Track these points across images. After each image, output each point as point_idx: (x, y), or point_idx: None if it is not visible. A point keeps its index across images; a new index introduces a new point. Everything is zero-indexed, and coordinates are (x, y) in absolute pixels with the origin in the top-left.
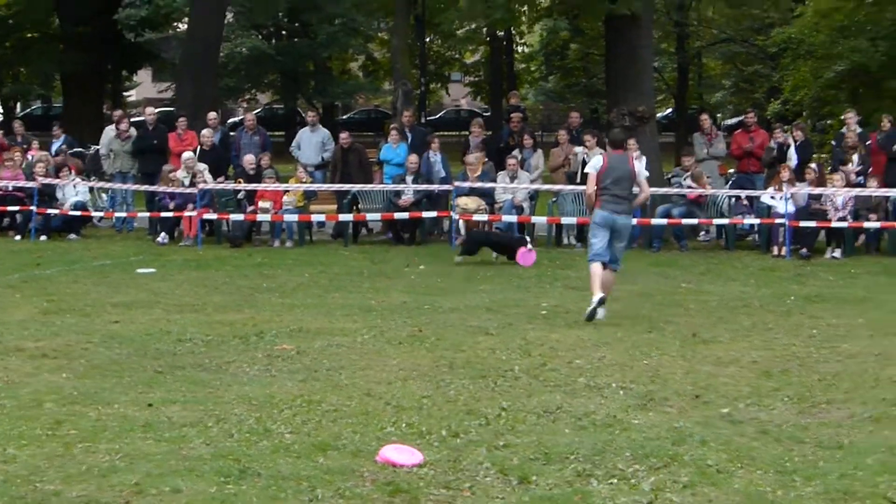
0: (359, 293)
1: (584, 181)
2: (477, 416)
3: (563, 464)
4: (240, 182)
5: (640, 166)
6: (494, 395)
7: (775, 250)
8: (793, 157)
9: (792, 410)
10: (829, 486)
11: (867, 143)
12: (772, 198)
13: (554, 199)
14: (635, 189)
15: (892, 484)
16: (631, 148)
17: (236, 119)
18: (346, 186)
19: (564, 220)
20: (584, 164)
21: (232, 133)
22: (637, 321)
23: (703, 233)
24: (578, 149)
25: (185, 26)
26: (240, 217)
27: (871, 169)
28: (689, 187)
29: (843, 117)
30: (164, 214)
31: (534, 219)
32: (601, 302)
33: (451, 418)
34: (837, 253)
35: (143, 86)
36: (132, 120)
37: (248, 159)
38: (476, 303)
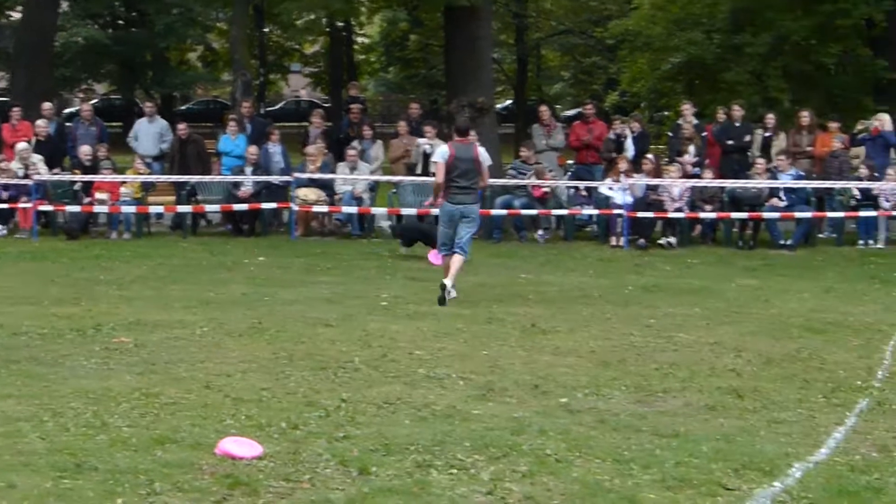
0: (198, 285)
1: (425, 172)
2: (317, 407)
3: (403, 455)
4: (76, 173)
5: (484, 154)
6: (334, 387)
7: (613, 241)
8: (630, 149)
9: (629, 399)
10: (666, 473)
11: (703, 134)
12: (610, 189)
13: (394, 190)
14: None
15: (726, 471)
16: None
17: (73, 109)
18: (185, 178)
19: (405, 211)
20: (426, 155)
21: (68, 124)
22: (477, 312)
23: (540, 232)
24: (422, 140)
25: (20, 15)
26: (76, 209)
27: (706, 160)
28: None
29: (679, 109)
30: None
31: (374, 210)
32: (443, 287)
33: (291, 410)
34: (672, 240)
35: None
36: None
37: (85, 150)
38: (316, 294)
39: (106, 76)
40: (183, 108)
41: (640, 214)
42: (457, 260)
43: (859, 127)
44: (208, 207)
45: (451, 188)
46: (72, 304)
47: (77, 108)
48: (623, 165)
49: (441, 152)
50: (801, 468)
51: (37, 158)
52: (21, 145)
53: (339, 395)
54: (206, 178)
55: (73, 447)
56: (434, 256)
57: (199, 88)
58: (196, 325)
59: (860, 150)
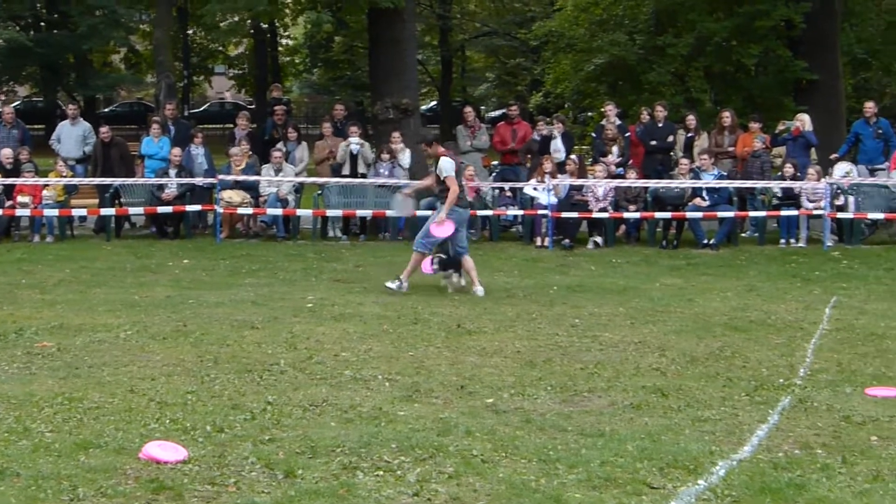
0: (122, 288)
1: (353, 173)
2: (242, 410)
3: (329, 457)
4: None
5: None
6: (260, 390)
7: (538, 241)
8: (560, 149)
9: (555, 399)
10: (592, 473)
11: (626, 134)
12: (535, 189)
13: (319, 191)
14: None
15: (651, 469)
16: (394, 140)
17: None
18: (108, 180)
19: (330, 213)
20: (353, 155)
21: None
22: (402, 313)
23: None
24: (352, 140)
25: None
26: None
27: (630, 160)
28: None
29: (602, 109)
30: None
31: (299, 211)
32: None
33: (216, 413)
34: (599, 240)
35: None
36: None
37: (6, 153)
38: (241, 297)
39: (28, 78)
40: (106, 110)
41: (565, 215)
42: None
43: (780, 127)
44: (132, 210)
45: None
46: None
47: None
48: (548, 166)
49: (449, 166)
50: (725, 466)
51: None
52: None
53: (264, 398)
54: (130, 181)
55: None
56: (427, 266)
57: (122, 91)
58: (120, 329)
59: (781, 150)
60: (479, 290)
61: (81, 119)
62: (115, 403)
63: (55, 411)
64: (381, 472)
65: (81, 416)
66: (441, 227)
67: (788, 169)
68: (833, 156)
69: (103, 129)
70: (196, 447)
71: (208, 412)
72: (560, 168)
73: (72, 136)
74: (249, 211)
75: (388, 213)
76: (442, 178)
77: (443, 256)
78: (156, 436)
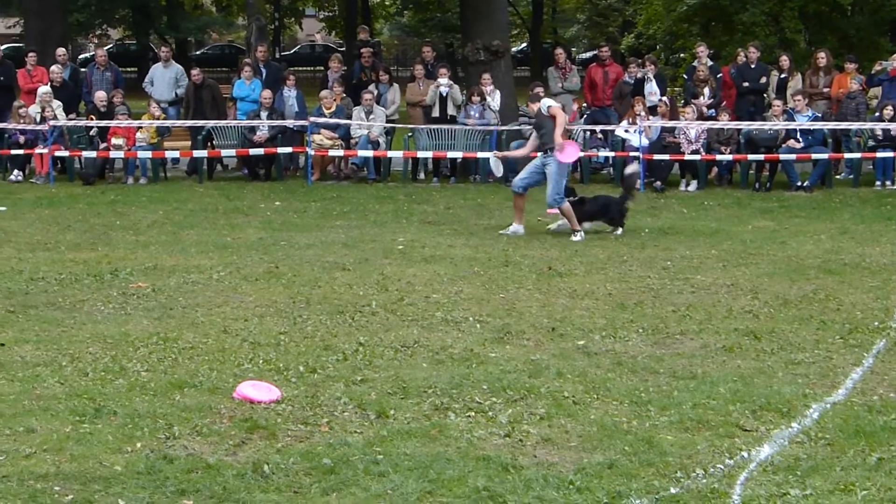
0: (214, 230)
1: (442, 116)
2: (334, 351)
3: (421, 398)
4: (91, 119)
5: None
6: (351, 331)
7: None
8: (655, 91)
9: (646, 342)
10: (683, 415)
11: (718, 76)
12: (626, 131)
13: (410, 133)
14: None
15: (743, 412)
16: (484, 82)
17: (87, 55)
18: (200, 122)
19: (420, 154)
20: (442, 97)
21: (83, 69)
22: (493, 255)
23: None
24: (443, 80)
25: None
26: (92, 154)
27: (722, 102)
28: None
29: (694, 51)
30: (14, 152)
31: (390, 153)
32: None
33: (309, 354)
34: (692, 187)
35: None
36: None
37: (100, 96)
38: (332, 239)
39: (120, 21)
40: (198, 53)
41: (657, 157)
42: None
43: (877, 67)
44: (224, 152)
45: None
46: (88, 250)
47: (91, 53)
48: (639, 107)
49: (551, 101)
50: (819, 409)
51: (56, 104)
52: (43, 89)
53: (356, 339)
54: (222, 123)
55: (91, 392)
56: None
57: (213, 33)
58: (213, 270)
59: (877, 91)
60: (580, 235)
61: (173, 62)
62: (208, 344)
63: (150, 351)
64: (473, 413)
65: (176, 356)
66: (566, 153)
67: (888, 111)
68: None
69: (194, 71)
70: (289, 387)
71: (301, 353)
72: (651, 110)
73: (164, 78)
74: (340, 153)
75: (479, 155)
76: (545, 117)
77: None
78: (249, 376)
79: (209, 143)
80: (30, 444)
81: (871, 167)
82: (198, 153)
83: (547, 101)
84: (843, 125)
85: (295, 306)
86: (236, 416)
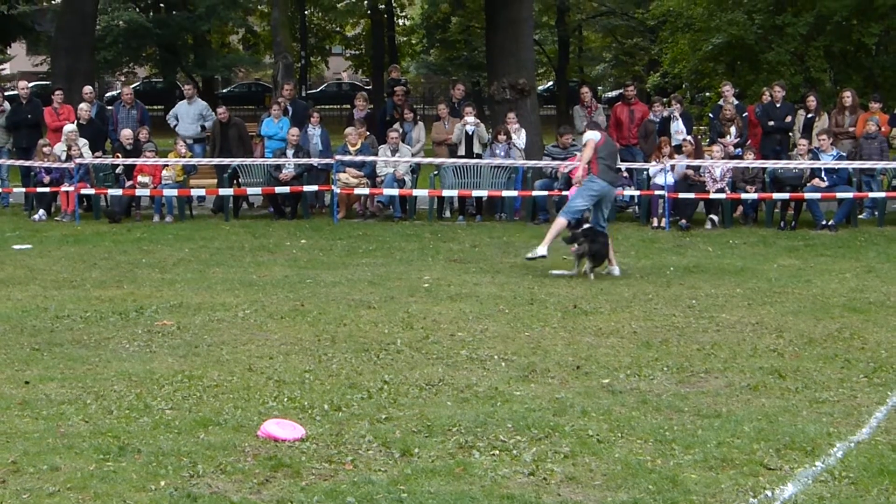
0: (240, 267)
1: (468, 153)
2: (359, 389)
3: (446, 436)
4: (118, 156)
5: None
6: (377, 369)
7: (655, 221)
8: (681, 130)
9: (671, 380)
10: (708, 453)
11: (744, 115)
12: (663, 171)
13: (436, 171)
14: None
15: (768, 451)
16: (510, 121)
17: (114, 93)
18: (227, 160)
19: (446, 193)
20: (468, 135)
21: (109, 107)
22: (519, 293)
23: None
24: (469, 119)
25: None
26: (118, 192)
27: (748, 141)
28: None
29: (720, 90)
30: (40, 190)
31: (415, 192)
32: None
33: (334, 392)
34: (715, 218)
35: (18, 59)
36: (6, 94)
37: (126, 133)
38: (358, 276)
39: (147, 59)
40: (224, 90)
41: (682, 195)
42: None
43: None
44: (250, 190)
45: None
46: (114, 287)
47: (118, 91)
48: (666, 149)
49: (591, 134)
50: (843, 448)
51: (82, 142)
52: (69, 127)
53: (381, 377)
54: (248, 161)
55: (116, 430)
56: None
57: (240, 71)
58: (238, 308)
59: None
60: (615, 269)
61: (198, 98)
62: (233, 381)
63: (175, 389)
64: (497, 452)
65: (201, 394)
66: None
67: None
68: None
69: (220, 109)
70: (313, 425)
71: (325, 391)
72: (677, 149)
73: (189, 114)
74: (366, 191)
75: (505, 193)
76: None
77: (576, 231)
78: (274, 414)
79: (235, 182)
80: (54, 483)
81: None
82: (224, 191)
83: (588, 135)
84: (867, 164)
85: (320, 344)
86: (261, 454)
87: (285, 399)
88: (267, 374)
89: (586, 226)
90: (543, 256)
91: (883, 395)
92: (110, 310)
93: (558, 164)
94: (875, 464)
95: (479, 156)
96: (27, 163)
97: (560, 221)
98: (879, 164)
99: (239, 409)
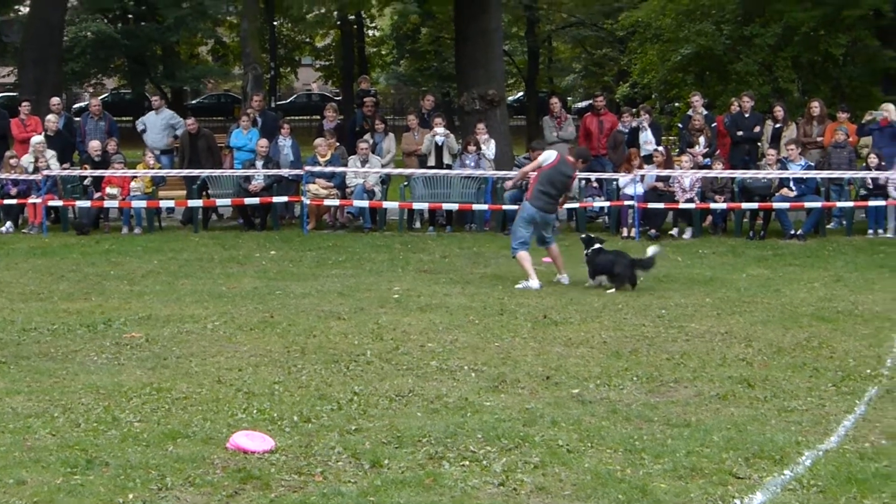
0: (209, 279)
1: (438, 164)
2: (329, 400)
3: (415, 447)
4: (86, 168)
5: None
6: (346, 380)
7: (625, 232)
8: (650, 140)
9: (641, 390)
10: (677, 463)
11: (713, 125)
12: (633, 181)
13: (405, 183)
14: None
15: (737, 460)
16: (479, 132)
17: (83, 104)
18: (196, 172)
19: (416, 205)
20: (438, 146)
21: (77, 118)
22: (488, 304)
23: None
24: (439, 130)
25: (28, 9)
26: (86, 204)
27: (717, 151)
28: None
29: (689, 100)
30: (7, 202)
31: (385, 203)
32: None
33: (303, 404)
34: (687, 235)
35: None
36: None
37: (94, 145)
38: (328, 288)
39: (116, 70)
40: (193, 102)
41: (651, 205)
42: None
43: (867, 117)
44: (219, 202)
45: (537, 192)
46: (82, 300)
47: (86, 102)
48: (636, 160)
49: (547, 156)
50: (811, 456)
51: (50, 154)
52: (37, 138)
53: (351, 388)
54: (217, 172)
55: (83, 443)
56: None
57: (209, 83)
58: (207, 320)
59: (868, 140)
60: (564, 278)
61: (166, 108)
62: (202, 394)
63: (143, 401)
64: (467, 462)
65: (169, 407)
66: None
67: (873, 159)
68: None
69: (189, 120)
70: (283, 437)
71: (295, 402)
72: (647, 159)
73: (157, 125)
74: (336, 202)
75: (475, 206)
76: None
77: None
78: (243, 426)
79: (204, 193)
80: (20, 497)
81: (864, 216)
82: (193, 203)
83: (546, 152)
84: (835, 174)
85: (290, 356)
86: (230, 466)
87: (255, 411)
88: (236, 385)
89: (597, 246)
90: (536, 288)
91: (851, 404)
92: (78, 322)
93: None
94: (843, 472)
95: (448, 166)
96: None
97: (522, 255)
98: (847, 174)
99: (208, 422)
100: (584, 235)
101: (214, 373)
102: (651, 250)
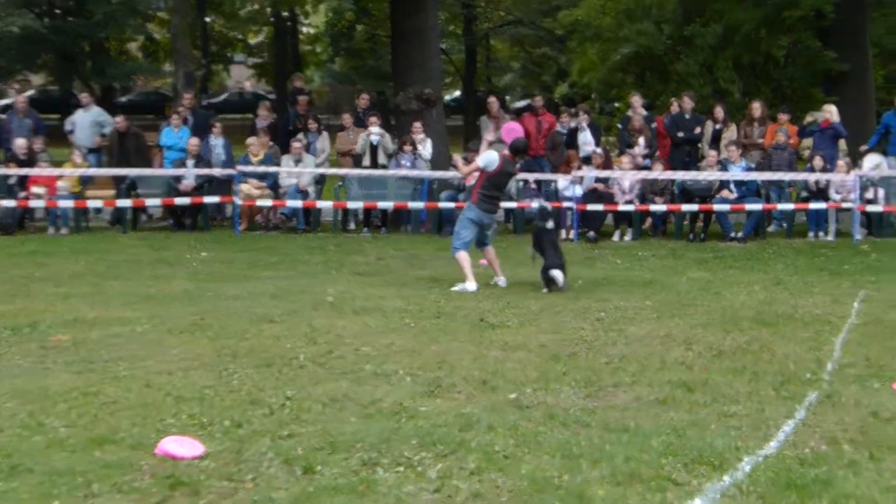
0: (138, 281)
1: (373, 164)
2: (261, 405)
3: (349, 453)
4: (10, 167)
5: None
6: (279, 384)
7: (563, 234)
8: (589, 141)
9: (579, 394)
10: (616, 468)
11: (653, 126)
12: (571, 182)
13: (340, 183)
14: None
15: (676, 465)
16: (415, 131)
17: (8, 101)
18: (124, 171)
19: (351, 205)
20: (373, 146)
21: (2, 116)
22: (425, 307)
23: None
24: (374, 129)
25: None
26: (11, 203)
27: (657, 152)
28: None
29: (629, 100)
30: None
31: (319, 203)
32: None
33: (234, 409)
34: (627, 237)
35: None
36: None
37: (19, 143)
38: (260, 290)
39: (42, 67)
40: (123, 99)
41: (590, 207)
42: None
43: (808, 119)
44: (149, 201)
45: (484, 197)
46: (7, 302)
47: (12, 99)
48: (576, 161)
49: (490, 158)
50: (751, 462)
51: None
52: None
53: (283, 393)
54: (147, 172)
55: (7, 448)
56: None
57: (139, 80)
58: (136, 323)
59: (809, 142)
60: (501, 280)
61: (94, 106)
62: (130, 398)
63: (70, 406)
64: (402, 468)
65: (96, 412)
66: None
67: (817, 161)
68: (863, 147)
69: (118, 118)
70: (213, 443)
71: (226, 407)
72: (586, 160)
73: (85, 124)
74: (269, 203)
75: (411, 205)
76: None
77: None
78: (172, 431)
79: (133, 193)
80: None
81: (805, 218)
82: (121, 202)
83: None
84: (776, 176)
85: (221, 360)
86: (158, 472)
87: (184, 416)
88: (165, 390)
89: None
90: (474, 291)
91: (791, 409)
92: (2, 325)
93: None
94: (783, 478)
95: (384, 167)
96: None
97: (462, 255)
98: (788, 176)
99: (136, 427)
100: (543, 206)
101: (143, 377)
102: (555, 276)
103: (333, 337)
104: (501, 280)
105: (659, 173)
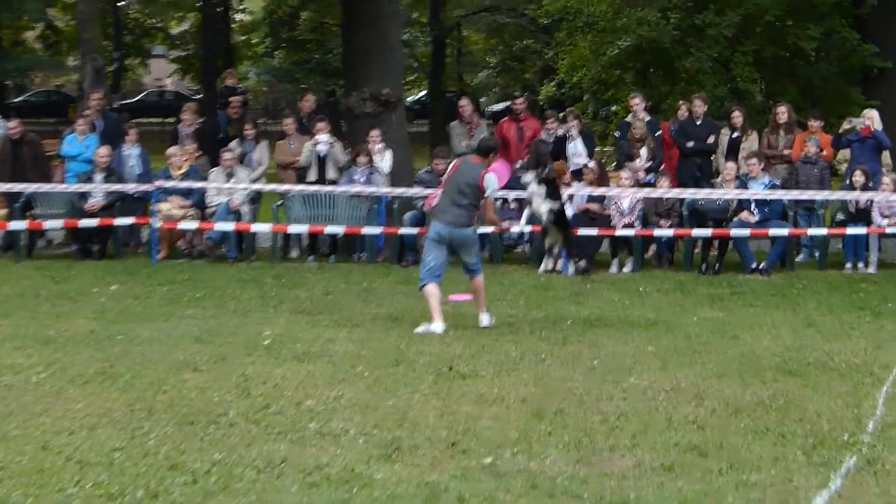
0: (34, 320)
1: (321, 180)
2: (182, 471)
3: None
4: None
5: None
6: (204, 446)
7: (549, 264)
8: (580, 152)
9: (568, 459)
10: None
11: (657, 134)
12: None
13: (280, 201)
14: None
15: None
16: (372, 140)
17: None
18: (19, 187)
19: (292, 229)
20: (320, 157)
21: None
22: (381, 352)
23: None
24: (321, 137)
25: None
26: None
27: (662, 165)
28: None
29: (628, 103)
30: None
31: (254, 227)
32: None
33: (150, 475)
34: (626, 268)
35: None
36: None
37: None
38: (182, 331)
39: None
40: (17, 100)
41: (582, 232)
42: (479, 283)
43: (845, 126)
44: (48, 223)
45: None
46: None
47: None
48: (567, 176)
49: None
50: None
51: None
52: None
53: (209, 457)
54: (46, 188)
55: None
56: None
57: (37, 76)
58: (31, 370)
59: (846, 154)
60: (485, 319)
61: None
62: (23, 463)
63: None
64: None
65: None
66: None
67: (858, 177)
68: None
69: (12, 123)
70: None
71: (140, 474)
72: (576, 175)
73: None
74: (194, 226)
75: (365, 230)
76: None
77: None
78: (74, 502)
79: (29, 213)
80: None
81: (841, 246)
82: (15, 225)
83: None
84: (807, 195)
85: (134, 416)
86: None
87: (89, 484)
88: (66, 453)
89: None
90: (440, 333)
91: (825, 478)
92: None
93: (429, 195)
94: None
95: (333, 182)
96: None
97: (428, 290)
98: (820, 195)
99: (30, 497)
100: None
101: (39, 437)
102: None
103: (270, 388)
104: (485, 318)
105: (664, 191)
